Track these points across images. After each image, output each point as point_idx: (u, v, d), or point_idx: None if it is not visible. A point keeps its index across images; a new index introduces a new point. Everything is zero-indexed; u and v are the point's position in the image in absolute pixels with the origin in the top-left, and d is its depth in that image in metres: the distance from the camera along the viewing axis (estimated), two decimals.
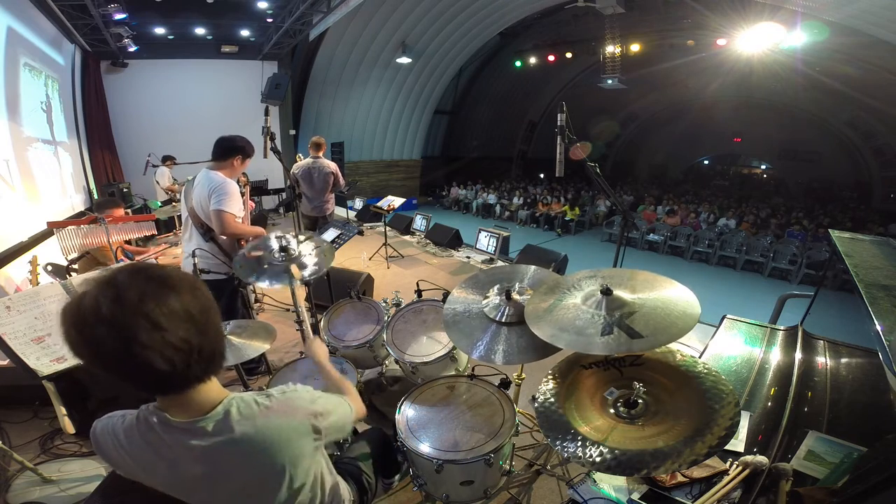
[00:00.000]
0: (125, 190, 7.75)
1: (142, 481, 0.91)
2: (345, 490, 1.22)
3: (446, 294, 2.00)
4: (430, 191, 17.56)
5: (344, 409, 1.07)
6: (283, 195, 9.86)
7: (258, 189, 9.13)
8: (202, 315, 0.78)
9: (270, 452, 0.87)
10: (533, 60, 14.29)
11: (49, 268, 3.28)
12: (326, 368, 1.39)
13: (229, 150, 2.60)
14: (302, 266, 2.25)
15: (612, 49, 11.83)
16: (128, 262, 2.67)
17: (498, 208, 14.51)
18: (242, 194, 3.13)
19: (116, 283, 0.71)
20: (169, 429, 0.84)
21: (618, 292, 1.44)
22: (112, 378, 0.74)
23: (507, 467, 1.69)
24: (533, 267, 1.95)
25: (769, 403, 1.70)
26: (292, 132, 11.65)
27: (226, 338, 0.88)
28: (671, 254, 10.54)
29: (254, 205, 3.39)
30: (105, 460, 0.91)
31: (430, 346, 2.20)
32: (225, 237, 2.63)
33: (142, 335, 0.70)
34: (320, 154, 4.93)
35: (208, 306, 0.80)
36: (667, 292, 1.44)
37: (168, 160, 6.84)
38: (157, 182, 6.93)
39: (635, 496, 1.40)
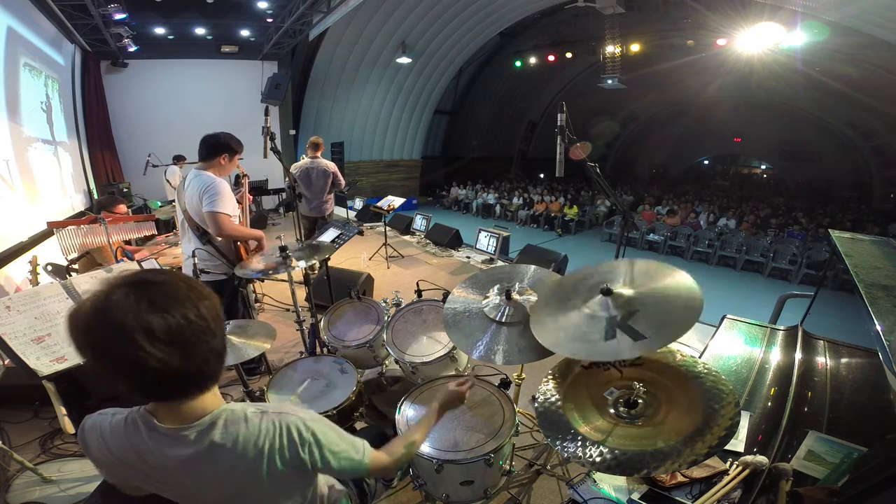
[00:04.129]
0: (125, 190, 7.77)
1: (124, 481, 0.91)
2: (341, 493, 1.22)
3: (446, 294, 2.00)
4: (430, 191, 17.56)
5: (352, 446, 0.98)
6: (283, 195, 9.86)
7: (258, 189, 9.12)
8: (189, 339, 0.76)
9: (248, 463, 0.85)
10: (533, 60, 14.28)
11: (49, 268, 3.28)
12: (429, 416, 1.29)
13: (214, 148, 2.52)
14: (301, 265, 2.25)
15: (612, 49, 11.83)
16: (128, 261, 2.66)
17: (498, 208, 14.51)
18: (240, 186, 3.13)
19: (109, 298, 0.73)
20: (154, 434, 0.83)
21: (618, 290, 1.43)
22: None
23: (507, 467, 1.69)
24: (533, 267, 1.95)
25: (769, 403, 1.70)
26: (292, 132, 11.65)
27: (221, 361, 0.86)
28: (671, 254, 10.54)
29: (252, 198, 3.37)
30: (88, 457, 0.90)
31: (430, 346, 2.20)
32: (221, 238, 2.61)
33: (115, 351, 0.71)
34: (318, 154, 4.93)
35: (200, 330, 0.77)
36: (667, 282, 1.40)
37: (179, 159, 6.85)
38: (168, 181, 6.93)
39: (635, 496, 1.40)
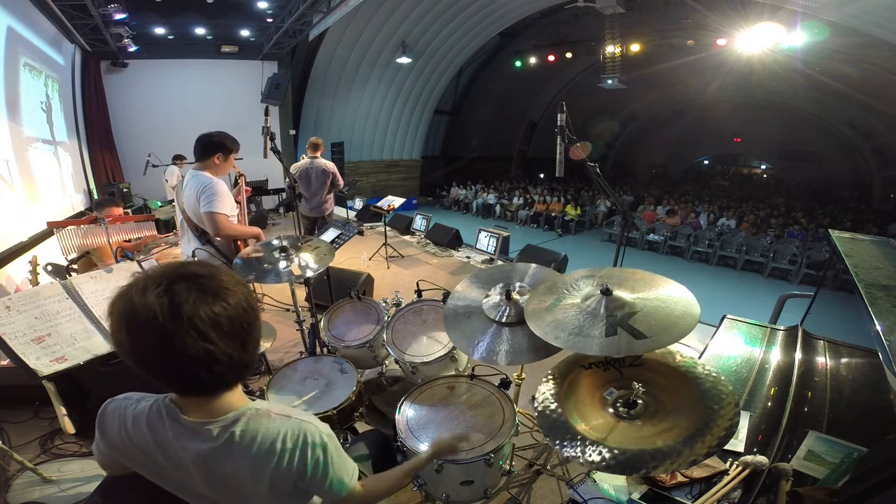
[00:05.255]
0: (125, 190, 7.76)
1: (140, 472, 0.91)
2: None
3: (446, 294, 2.00)
4: (430, 191, 17.56)
5: (347, 469, 0.96)
6: (283, 195, 9.86)
7: (258, 189, 9.12)
8: (245, 329, 0.79)
9: (257, 463, 0.85)
10: (533, 60, 14.29)
11: (49, 268, 3.28)
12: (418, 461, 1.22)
13: (208, 147, 2.52)
14: (302, 265, 2.25)
15: (612, 49, 11.83)
16: (128, 261, 2.66)
17: (498, 208, 14.51)
18: (237, 184, 3.12)
19: (173, 292, 0.72)
20: (176, 426, 0.84)
21: (617, 292, 1.44)
22: (140, 372, 0.75)
23: (507, 467, 1.69)
24: (533, 265, 1.95)
25: (769, 403, 1.70)
26: (292, 132, 11.65)
27: (258, 344, 0.88)
28: (671, 254, 10.54)
29: (250, 191, 3.35)
30: (101, 438, 0.90)
31: (430, 346, 2.20)
32: (220, 238, 2.60)
33: (189, 347, 0.71)
34: (318, 154, 4.93)
35: (252, 319, 0.81)
36: (665, 291, 1.43)
37: (179, 159, 6.84)
38: (167, 180, 6.93)
39: (635, 496, 1.40)
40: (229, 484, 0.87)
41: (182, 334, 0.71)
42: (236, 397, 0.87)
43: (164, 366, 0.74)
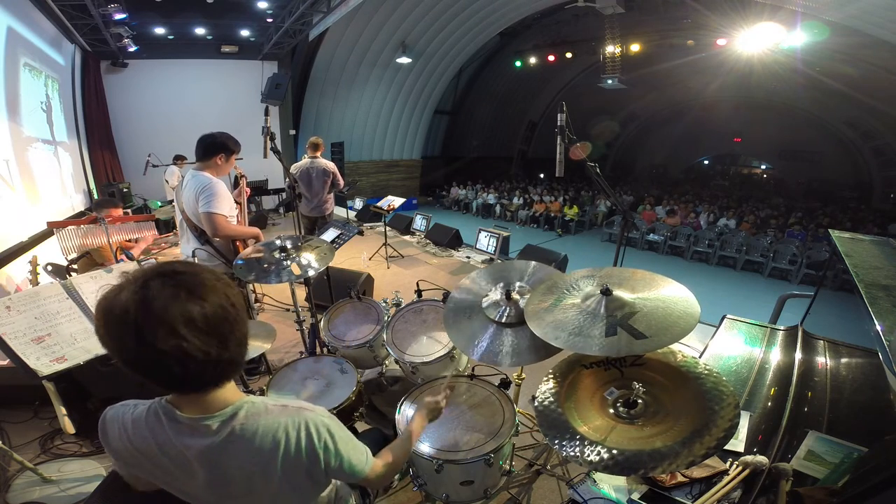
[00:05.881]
0: (125, 190, 7.75)
1: (144, 476, 0.91)
2: (346, 492, 1.22)
3: (446, 294, 2.00)
4: (430, 191, 17.56)
5: (360, 450, 0.99)
6: (283, 195, 9.86)
7: (258, 189, 9.12)
8: (225, 327, 0.78)
9: (263, 455, 0.85)
10: (533, 60, 14.28)
11: (49, 268, 3.28)
12: (415, 422, 1.29)
13: (210, 148, 2.53)
14: (302, 265, 2.25)
15: (612, 49, 11.83)
16: (127, 261, 2.66)
17: (498, 208, 14.51)
18: (237, 184, 3.12)
19: (147, 288, 0.73)
20: (175, 425, 0.84)
21: (617, 292, 1.44)
22: (130, 373, 0.76)
23: (507, 467, 1.69)
24: (533, 263, 1.95)
25: (769, 403, 1.70)
26: (292, 132, 11.65)
27: (247, 346, 0.87)
28: (671, 254, 10.53)
29: (249, 191, 3.37)
30: (108, 450, 0.91)
31: (430, 346, 2.20)
32: (218, 239, 2.60)
33: (160, 342, 0.71)
34: (318, 154, 4.93)
35: (234, 318, 0.80)
36: (665, 291, 1.44)
37: (179, 159, 6.83)
38: (167, 181, 6.92)
39: (635, 496, 1.40)
40: (238, 482, 0.87)
41: (153, 329, 0.71)
42: (230, 392, 0.87)
43: (143, 361, 0.75)
